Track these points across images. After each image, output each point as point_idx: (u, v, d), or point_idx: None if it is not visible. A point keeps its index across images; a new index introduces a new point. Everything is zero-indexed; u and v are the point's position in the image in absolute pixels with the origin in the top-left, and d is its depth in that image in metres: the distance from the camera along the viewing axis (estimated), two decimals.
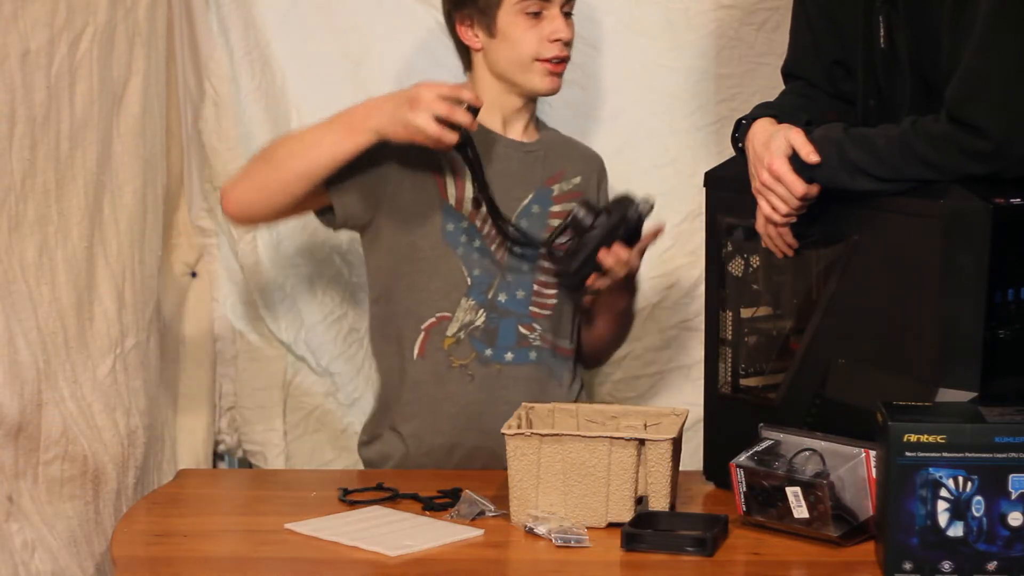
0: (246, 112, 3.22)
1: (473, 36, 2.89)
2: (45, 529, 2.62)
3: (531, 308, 2.90)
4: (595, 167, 3.01)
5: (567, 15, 2.88)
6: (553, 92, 2.90)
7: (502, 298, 2.88)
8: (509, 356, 2.89)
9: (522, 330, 2.89)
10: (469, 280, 2.87)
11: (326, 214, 2.87)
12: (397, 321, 2.89)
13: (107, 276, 2.82)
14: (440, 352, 2.87)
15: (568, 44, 2.88)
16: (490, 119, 2.89)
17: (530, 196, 2.91)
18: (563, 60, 2.88)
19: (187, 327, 3.25)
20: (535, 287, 2.90)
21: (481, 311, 2.88)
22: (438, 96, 2.68)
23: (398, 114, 2.69)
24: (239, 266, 3.26)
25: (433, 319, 2.87)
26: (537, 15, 2.84)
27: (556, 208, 2.92)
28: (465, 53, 2.94)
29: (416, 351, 2.87)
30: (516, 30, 2.84)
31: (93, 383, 2.77)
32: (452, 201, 2.87)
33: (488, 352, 2.88)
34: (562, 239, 2.79)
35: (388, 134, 2.71)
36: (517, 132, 2.94)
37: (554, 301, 2.91)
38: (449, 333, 2.87)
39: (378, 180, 2.84)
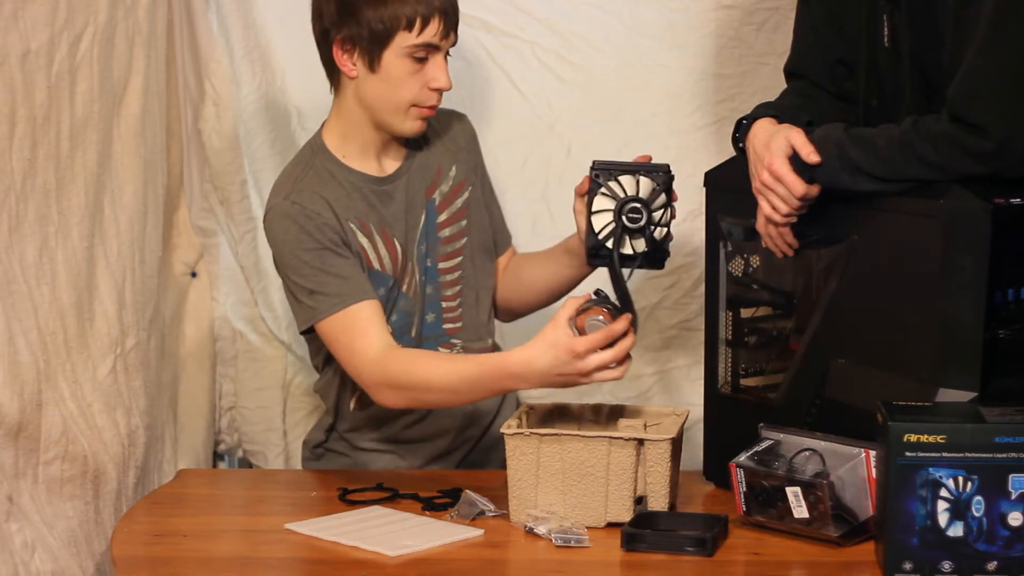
0: (246, 112, 3.22)
1: (350, 63, 2.74)
2: (45, 529, 2.62)
3: (444, 327, 2.86)
4: (464, 140, 2.92)
5: (445, 56, 2.77)
6: (417, 135, 2.82)
7: (421, 329, 2.85)
8: None
9: (442, 350, 2.85)
10: (391, 328, 2.78)
11: None
12: (338, 374, 2.85)
13: (107, 276, 2.82)
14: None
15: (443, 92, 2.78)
16: (359, 153, 2.82)
17: (423, 217, 2.85)
18: (436, 106, 2.79)
19: (187, 327, 3.25)
20: (443, 304, 2.86)
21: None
22: (600, 360, 2.50)
23: (566, 381, 2.53)
24: (239, 266, 3.27)
25: None
26: (423, 60, 2.73)
27: (443, 217, 2.86)
28: (334, 73, 2.80)
29: (352, 405, 2.87)
30: (400, 72, 2.73)
31: (93, 383, 2.77)
32: (376, 266, 2.80)
33: None
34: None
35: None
36: (389, 158, 2.85)
37: (461, 311, 2.86)
38: None
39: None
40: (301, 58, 3.21)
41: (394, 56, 2.72)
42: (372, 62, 2.73)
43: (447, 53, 2.77)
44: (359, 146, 2.82)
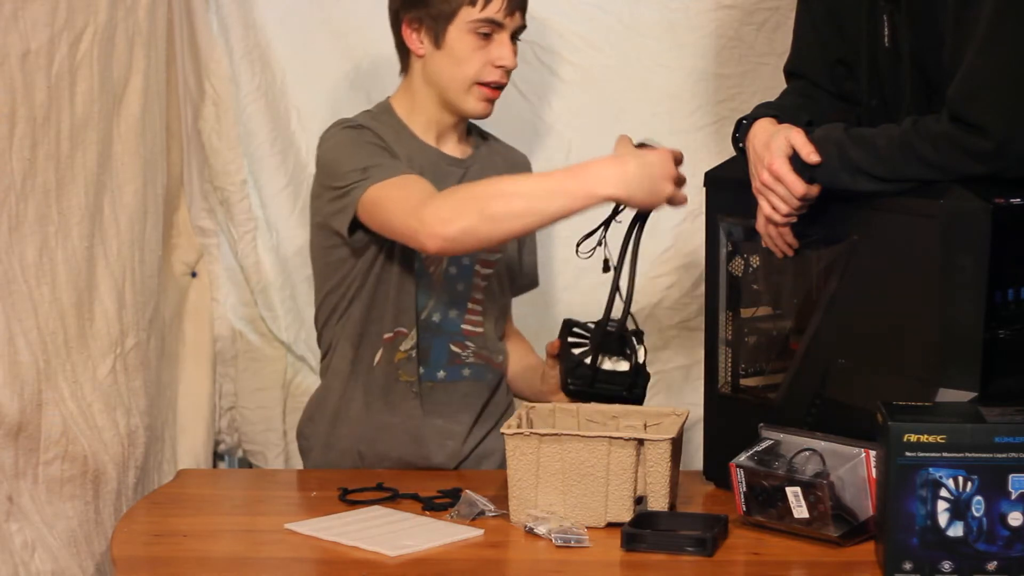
0: (246, 112, 3.22)
1: (418, 41, 2.81)
2: (45, 529, 2.62)
3: (463, 326, 2.87)
4: (519, 172, 2.93)
5: (514, 39, 2.81)
6: (483, 117, 2.85)
7: (435, 318, 2.84)
8: (441, 375, 2.86)
9: (453, 348, 2.86)
10: (411, 306, 2.82)
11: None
12: (360, 326, 2.84)
13: (107, 276, 2.82)
14: (391, 365, 2.83)
15: (509, 72, 2.82)
16: (423, 129, 2.85)
17: None
18: (501, 87, 2.82)
19: (187, 327, 3.25)
20: (468, 305, 2.86)
21: (414, 330, 2.83)
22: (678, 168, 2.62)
23: (655, 187, 2.58)
24: (239, 266, 3.27)
25: (391, 333, 2.83)
26: (487, 36, 2.78)
27: None
28: (405, 54, 2.87)
29: (376, 359, 2.84)
30: (464, 47, 2.78)
31: (93, 383, 2.77)
32: None
33: (421, 370, 2.84)
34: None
35: (626, 201, 2.59)
36: (451, 145, 2.88)
37: (483, 318, 2.88)
38: (403, 348, 2.83)
39: None
40: (301, 58, 3.22)
41: (458, 32, 2.77)
42: (437, 38, 2.79)
43: (516, 35, 2.81)
44: (423, 122, 2.85)
